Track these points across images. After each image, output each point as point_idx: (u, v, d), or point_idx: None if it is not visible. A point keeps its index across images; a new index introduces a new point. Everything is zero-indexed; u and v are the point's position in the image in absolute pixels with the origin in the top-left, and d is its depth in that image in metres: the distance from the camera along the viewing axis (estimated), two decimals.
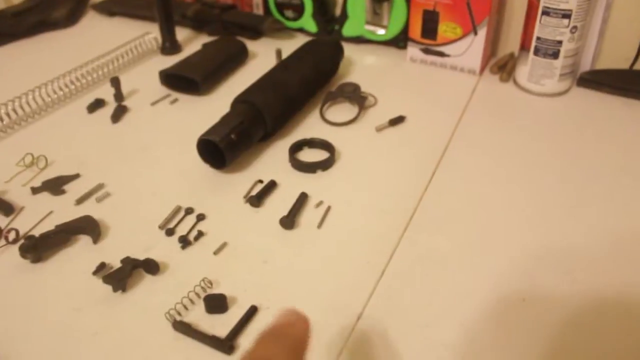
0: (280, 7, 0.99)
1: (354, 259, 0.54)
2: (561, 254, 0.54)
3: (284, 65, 0.75)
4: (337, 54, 0.82)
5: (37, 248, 0.54)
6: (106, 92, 0.82)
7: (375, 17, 0.92)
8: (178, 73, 0.81)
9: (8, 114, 0.74)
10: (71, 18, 1.06)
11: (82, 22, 1.08)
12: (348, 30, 0.95)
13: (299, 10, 0.97)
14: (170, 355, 0.46)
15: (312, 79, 0.76)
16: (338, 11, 0.97)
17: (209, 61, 0.84)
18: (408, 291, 0.51)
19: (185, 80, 0.81)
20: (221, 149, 0.61)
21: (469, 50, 0.84)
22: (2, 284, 0.53)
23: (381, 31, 0.93)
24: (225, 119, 0.65)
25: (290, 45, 0.92)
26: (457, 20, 0.82)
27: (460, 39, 0.84)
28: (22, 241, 0.55)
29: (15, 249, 0.55)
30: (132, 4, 1.08)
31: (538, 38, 0.76)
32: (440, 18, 0.84)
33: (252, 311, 0.48)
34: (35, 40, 1.01)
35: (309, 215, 0.59)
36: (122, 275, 0.51)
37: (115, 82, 0.79)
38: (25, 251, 0.54)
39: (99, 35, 1.02)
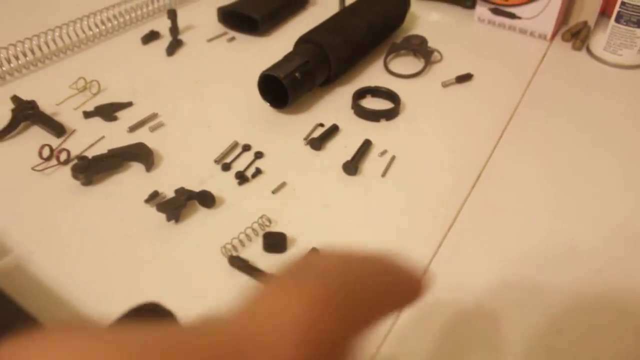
0: None
1: (420, 210, 0.51)
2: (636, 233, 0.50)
3: (352, 9, 0.71)
4: (404, 5, 0.78)
5: (90, 170, 0.52)
6: (161, 25, 0.79)
7: None
8: (237, 10, 0.78)
9: (62, 38, 0.72)
10: None
11: None
12: None
13: None
14: (224, 290, 0.43)
15: (378, 26, 0.72)
16: None
17: (269, 1, 0.80)
18: (477, 247, 0.47)
19: (244, 19, 0.77)
20: (284, 87, 0.58)
21: (543, 13, 0.79)
22: (52, 205, 0.51)
23: None
24: (289, 57, 0.61)
25: None
26: None
27: (533, 0, 0.79)
28: (74, 162, 0.53)
29: (66, 170, 0.53)
30: None
31: (623, 3, 0.71)
32: None
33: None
34: None
35: (372, 163, 0.56)
36: (177, 205, 0.49)
37: (172, 15, 0.76)
38: (77, 171, 0.52)
39: None
